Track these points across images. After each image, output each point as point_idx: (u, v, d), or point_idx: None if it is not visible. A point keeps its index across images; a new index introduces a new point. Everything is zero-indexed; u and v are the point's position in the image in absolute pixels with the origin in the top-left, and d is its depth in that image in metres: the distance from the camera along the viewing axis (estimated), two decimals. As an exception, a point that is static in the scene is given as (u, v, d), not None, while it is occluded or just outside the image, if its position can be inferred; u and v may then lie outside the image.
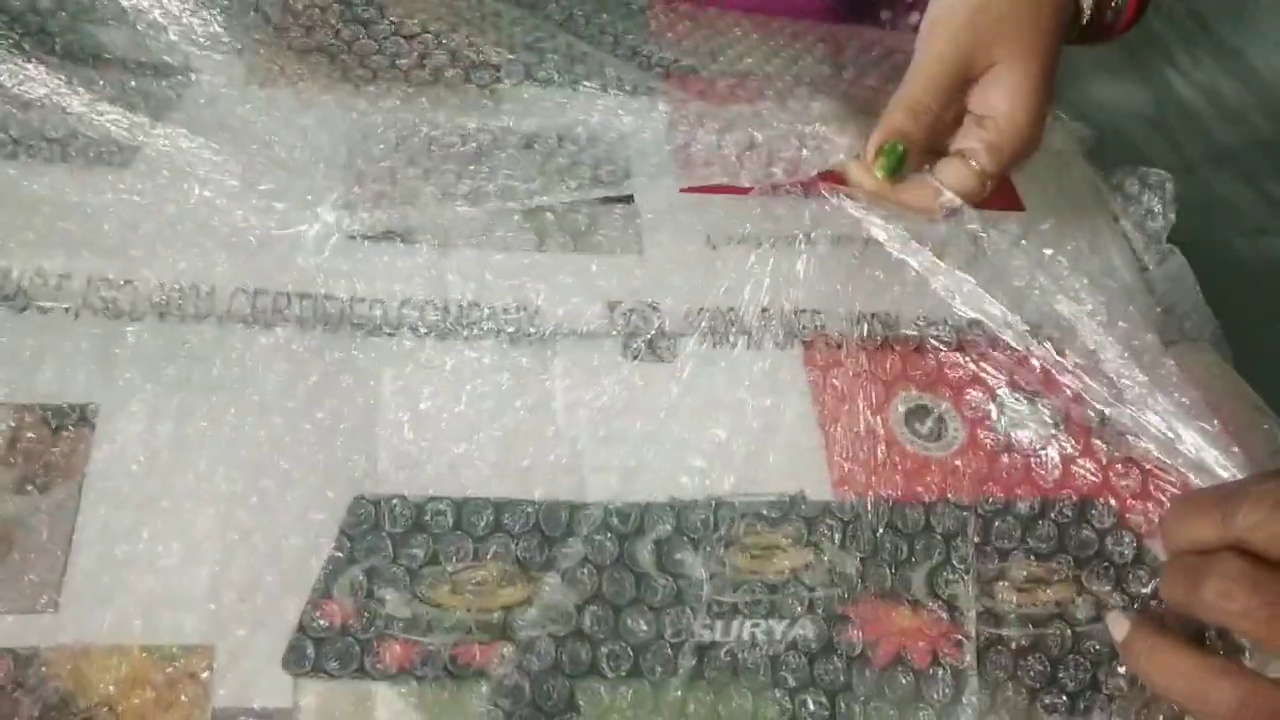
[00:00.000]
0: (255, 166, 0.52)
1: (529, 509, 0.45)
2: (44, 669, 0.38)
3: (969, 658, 0.45)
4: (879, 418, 0.51)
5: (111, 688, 0.38)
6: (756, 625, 0.45)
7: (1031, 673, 0.46)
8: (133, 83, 0.54)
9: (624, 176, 0.57)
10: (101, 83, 0.53)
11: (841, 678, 0.44)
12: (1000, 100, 0.52)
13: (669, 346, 0.52)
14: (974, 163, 0.52)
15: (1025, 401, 0.53)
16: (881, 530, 0.47)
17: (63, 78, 0.52)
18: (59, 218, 0.49)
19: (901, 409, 0.52)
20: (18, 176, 0.49)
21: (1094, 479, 0.51)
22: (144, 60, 0.55)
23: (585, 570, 0.45)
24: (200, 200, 0.51)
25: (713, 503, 0.47)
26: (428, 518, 0.44)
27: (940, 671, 0.45)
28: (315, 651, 0.41)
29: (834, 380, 0.52)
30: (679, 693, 0.43)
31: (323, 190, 0.52)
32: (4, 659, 0.38)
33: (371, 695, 0.40)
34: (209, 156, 0.52)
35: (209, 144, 0.52)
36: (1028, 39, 0.52)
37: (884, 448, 0.50)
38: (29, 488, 0.42)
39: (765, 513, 0.47)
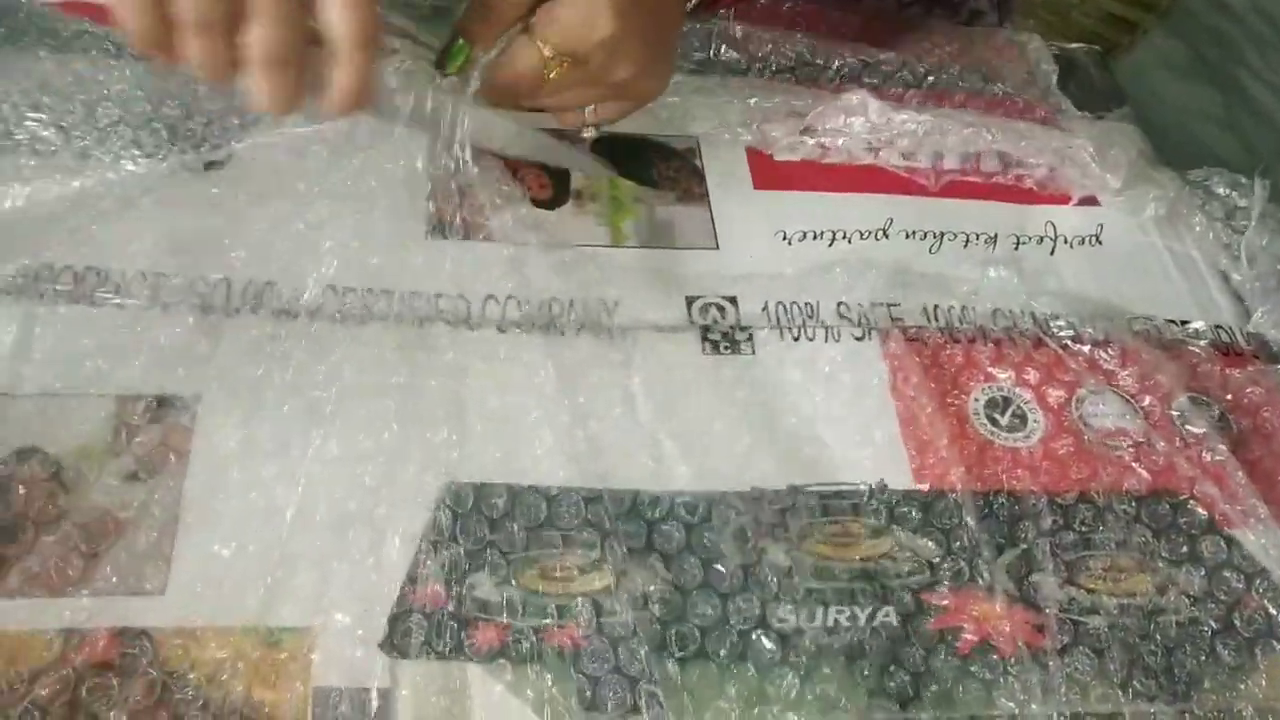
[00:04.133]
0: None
1: (613, 498, 0.46)
2: (153, 648, 0.40)
3: (1051, 645, 0.45)
4: (958, 409, 0.51)
5: (216, 667, 0.40)
6: (840, 611, 0.45)
7: (1115, 660, 0.45)
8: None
9: (699, 175, 0.58)
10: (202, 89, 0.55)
11: (924, 664, 0.44)
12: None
13: (746, 339, 0.52)
14: (540, 42, 0.49)
15: (1108, 393, 0.53)
16: (963, 519, 0.48)
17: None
18: (160, 218, 0.51)
19: (981, 400, 0.52)
20: (123, 178, 0.51)
21: (1174, 471, 0.51)
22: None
23: (668, 558, 0.45)
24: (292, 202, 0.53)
25: (792, 491, 0.48)
26: (516, 506, 0.45)
27: (1023, 658, 0.45)
28: (411, 634, 0.42)
29: (912, 372, 0.52)
30: (759, 677, 0.43)
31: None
32: (116, 638, 0.40)
33: (466, 675, 0.41)
34: (298, 163, 0.54)
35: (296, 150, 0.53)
36: None
37: (964, 438, 0.50)
38: (136, 476, 0.44)
39: (845, 502, 0.48)
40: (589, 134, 0.56)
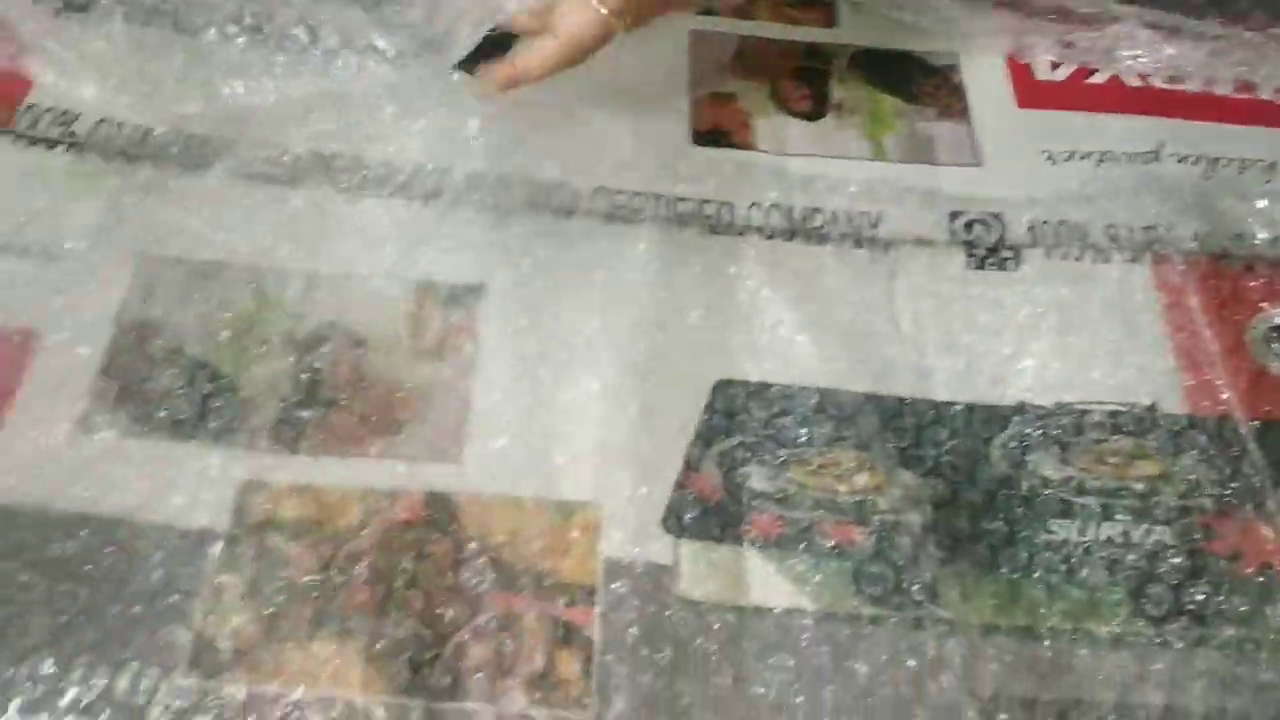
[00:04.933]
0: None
1: (879, 404, 0.47)
2: (452, 511, 0.42)
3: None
4: (1235, 336, 0.50)
5: (511, 535, 0.42)
6: (1113, 527, 0.44)
7: None
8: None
9: (960, 92, 0.58)
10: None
11: (1205, 588, 0.43)
12: None
13: (1012, 256, 0.52)
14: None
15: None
16: (1245, 446, 0.46)
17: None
18: (436, 118, 0.53)
19: (1260, 328, 0.50)
20: (422, 75, 0.54)
21: None
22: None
23: (934, 463, 0.45)
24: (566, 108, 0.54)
25: (1063, 408, 0.47)
26: (786, 405, 0.46)
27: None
28: (690, 517, 0.43)
29: (1187, 299, 0.50)
30: (1034, 588, 0.43)
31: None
32: (418, 500, 0.42)
33: (742, 558, 0.42)
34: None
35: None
36: None
37: (1242, 366, 0.49)
38: (432, 357, 0.46)
39: (1119, 422, 0.47)
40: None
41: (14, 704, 0.36)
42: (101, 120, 0.51)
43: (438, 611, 0.40)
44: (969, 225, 0.53)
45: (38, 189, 0.49)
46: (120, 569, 0.40)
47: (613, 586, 0.41)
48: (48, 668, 0.37)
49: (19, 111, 0.51)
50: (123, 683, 0.37)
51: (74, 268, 0.47)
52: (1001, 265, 0.51)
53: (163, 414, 0.44)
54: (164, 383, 0.44)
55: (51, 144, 0.50)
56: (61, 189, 0.49)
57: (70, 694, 0.37)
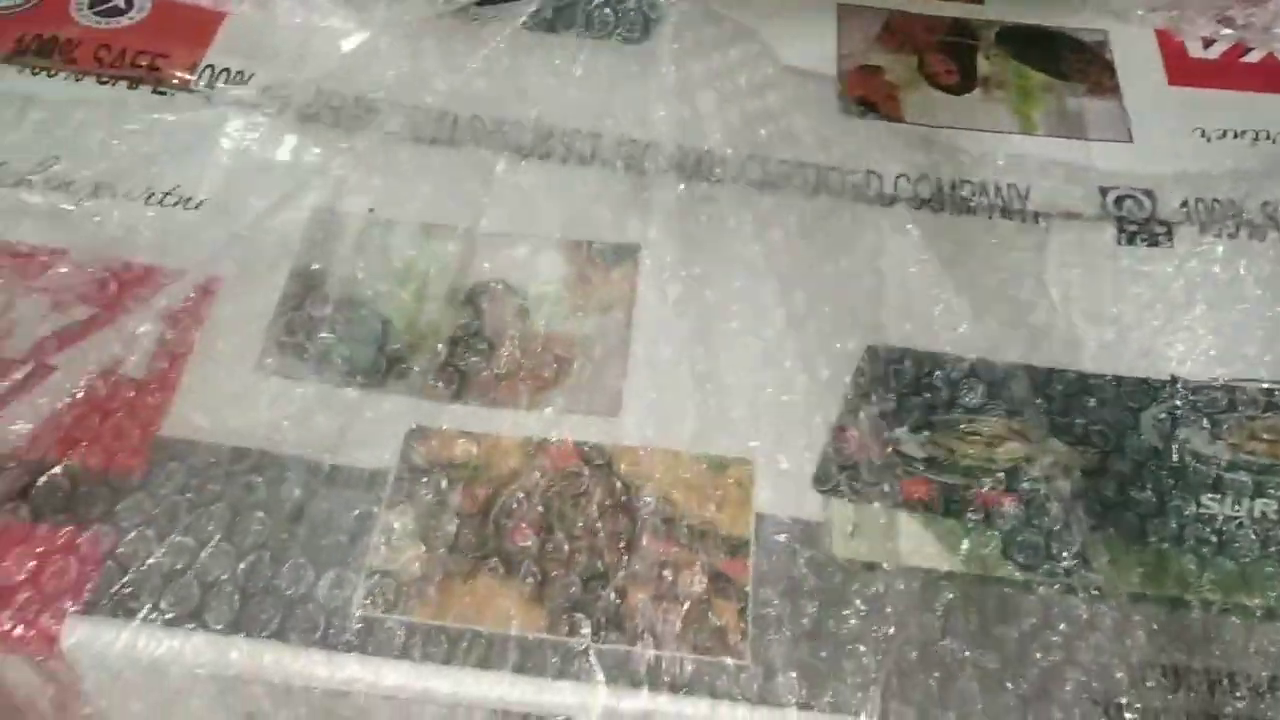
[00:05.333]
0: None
1: (1030, 372, 0.47)
2: (611, 463, 0.44)
3: None
4: (1402, 319, 0.49)
5: (668, 485, 0.43)
6: (1267, 504, 0.44)
7: None
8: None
9: (1110, 68, 0.57)
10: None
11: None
12: None
13: (1165, 233, 0.51)
14: None
15: None
16: None
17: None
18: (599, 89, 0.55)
19: None
20: (567, 50, 0.55)
21: None
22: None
23: (1086, 434, 0.46)
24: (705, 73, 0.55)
25: (1218, 384, 0.47)
26: (936, 370, 0.47)
27: None
28: (840, 477, 0.44)
29: (1351, 279, 0.50)
30: (1183, 558, 0.43)
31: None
32: (578, 449, 0.44)
33: (895, 520, 0.43)
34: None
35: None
36: None
37: (1406, 348, 0.48)
38: (590, 313, 0.48)
39: (1273, 399, 0.47)
40: None
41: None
42: (276, 79, 0.54)
43: (596, 555, 0.41)
44: (1119, 200, 0.52)
45: (218, 148, 0.51)
46: (296, 505, 0.42)
47: (765, 540, 0.42)
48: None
49: (198, 69, 0.54)
50: (299, 615, 0.39)
51: (252, 219, 0.49)
52: (1153, 240, 0.51)
53: (335, 359, 0.46)
54: (334, 330, 0.47)
55: (229, 103, 0.53)
56: (239, 147, 0.52)
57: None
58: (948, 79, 0.57)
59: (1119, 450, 0.45)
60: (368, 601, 0.39)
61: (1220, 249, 0.51)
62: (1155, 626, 0.41)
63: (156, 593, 0.39)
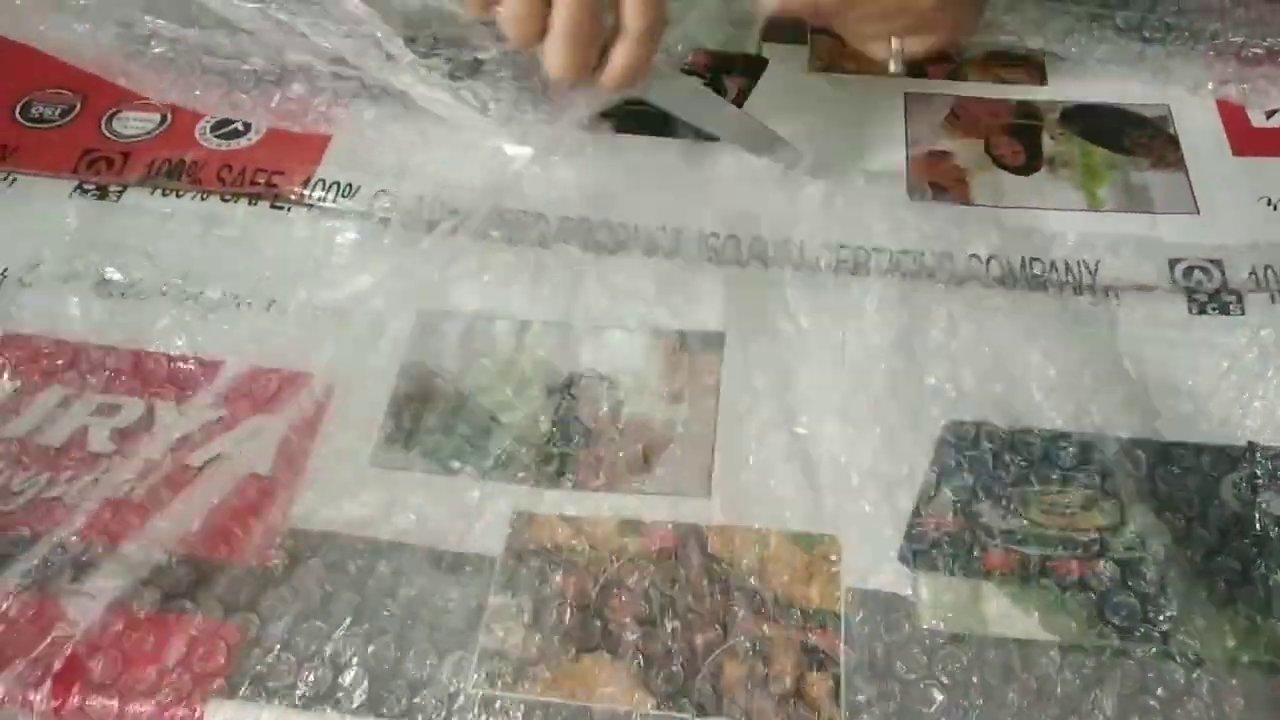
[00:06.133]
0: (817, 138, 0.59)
1: (1110, 444, 0.48)
2: (703, 542, 0.46)
3: None
4: None
5: (757, 562, 0.45)
6: (1347, 568, 0.45)
7: None
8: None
9: (1174, 142, 0.59)
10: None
11: None
12: None
13: (1236, 302, 0.53)
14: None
15: None
16: None
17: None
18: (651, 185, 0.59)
19: None
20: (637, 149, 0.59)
21: None
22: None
23: (1169, 503, 0.47)
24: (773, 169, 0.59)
25: (1296, 450, 0.48)
26: (1017, 445, 0.49)
27: None
28: (925, 550, 0.46)
29: None
30: (1274, 626, 0.44)
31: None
32: (672, 531, 0.46)
33: (980, 590, 0.45)
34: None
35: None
36: None
37: None
38: (678, 399, 0.50)
39: (1354, 464, 0.47)
40: (896, 69, 0.57)
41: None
42: (380, 191, 0.58)
43: (695, 633, 0.44)
44: (1189, 272, 0.54)
45: (331, 256, 0.56)
46: (415, 590, 0.45)
47: (855, 614, 0.44)
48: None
49: (311, 183, 0.59)
50: (424, 696, 0.42)
51: (365, 322, 0.53)
52: (1224, 309, 0.53)
53: (444, 452, 0.49)
54: (442, 424, 0.50)
55: (339, 214, 0.58)
56: (350, 254, 0.56)
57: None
58: (1014, 160, 0.59)
59: (1203, 517, 0.46)
60: (484, 681, 0.42)
61: (1292, 316, 0.52)
62: (1252, 693, 0.42)
63: (292, 675, 0.42)
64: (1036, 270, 0.54)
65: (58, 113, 0.63)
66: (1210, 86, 0.61)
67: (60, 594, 0.44)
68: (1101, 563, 0.45)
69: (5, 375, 0.51)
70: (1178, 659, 0.43)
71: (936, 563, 0.45)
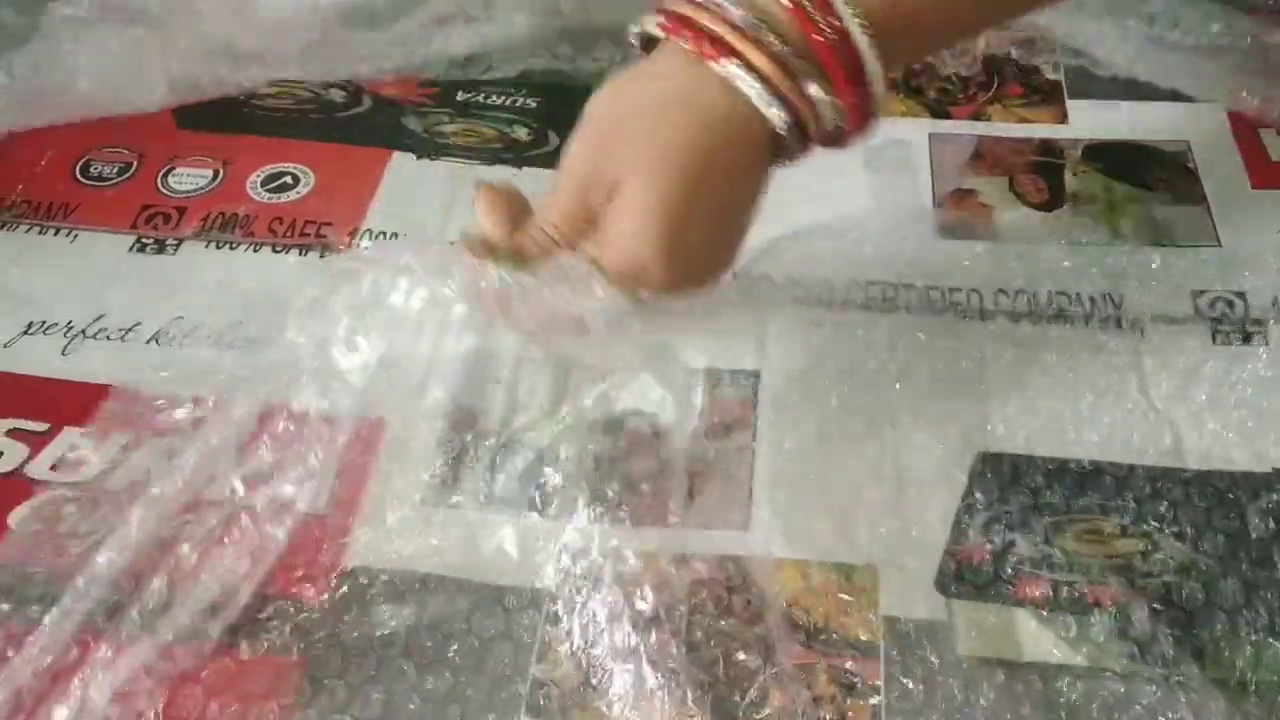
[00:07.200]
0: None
1: (1139, 474, 0.50)
2: (744, 573, 0.48)
3: None
4: None
5: (797, 592, 0.47)
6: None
7: None
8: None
9: (1194, 176, 0.61)
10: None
11: None
12: (624, 222, 0.45)
13: (1259, 332, 0.54)
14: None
15: None
16: None
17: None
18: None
19: None
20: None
21: None
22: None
23: (1197, 530, 0.48)
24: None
25: (1323, 476, 0.49)
26: (1047, 474, 0.50)
27: None
28: (960, 578, 0.47)
29: None
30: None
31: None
32: (716, 560, 0.48)
33: (1014, 617, 0.46)
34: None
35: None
36: (651, 165, 0.44)
37: None
38: (717, 434, 0.52)
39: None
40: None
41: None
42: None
43: (739, 660, 0.45)
44: (1213, 303, 0.55)
45: (380, 303, 0.58)
46: (469, 623, 0.47)
47: (893, 642, 0.46)
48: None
49: (358, 233, 0.61)
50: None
51: (415, 365, 0.55)
52: (1247, 339, 0.54)
53: (493, 488, 0.51)
54: (491, 461, 0.52)
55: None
56: (395, 301, 0.58)
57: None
58: (1038, 196, 0.61)
59: (1232, 544, 0.48)
60: (537, 713, 0.44)
61: (1315, 345, 0.53)
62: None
63: (349, 708, 0.44)
64: (1063, 304, 0.56)
65: (115, 170, 0.66)
66: (1226, 123, 0.63)
67: (123, 631, 0.45)
68: (1134, 590, 0.46)
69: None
70: (1215, 687, 0.43)
71: (970, 591, 0.47)
